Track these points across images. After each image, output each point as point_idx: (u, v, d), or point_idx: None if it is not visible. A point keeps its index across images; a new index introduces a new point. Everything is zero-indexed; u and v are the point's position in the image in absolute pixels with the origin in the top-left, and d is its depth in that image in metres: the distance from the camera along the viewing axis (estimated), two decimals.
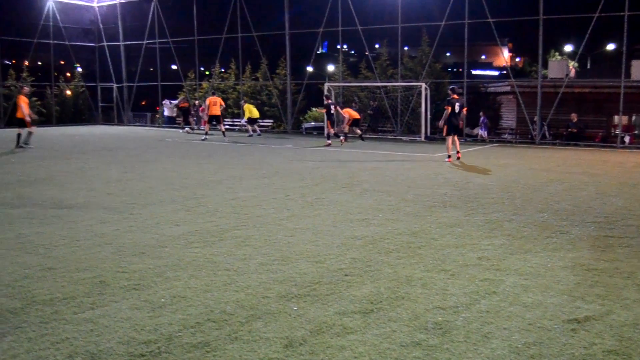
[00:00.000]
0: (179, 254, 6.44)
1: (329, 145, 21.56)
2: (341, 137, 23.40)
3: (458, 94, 17.31)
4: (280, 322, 4.51)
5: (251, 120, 27.61)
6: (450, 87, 17.90)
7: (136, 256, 6.35)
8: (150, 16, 34.36)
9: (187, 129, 30.18)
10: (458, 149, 17.03)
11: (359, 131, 24.17)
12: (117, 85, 37.34)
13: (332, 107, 22.66)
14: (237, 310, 4.77)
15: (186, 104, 30.49)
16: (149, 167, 14.58)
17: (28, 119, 19.26)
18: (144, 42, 35.08)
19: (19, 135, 19.60)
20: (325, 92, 25.43)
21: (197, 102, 32.69)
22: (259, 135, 27.41)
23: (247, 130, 28.10)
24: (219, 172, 13.77)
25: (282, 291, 5.22)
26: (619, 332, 4.39)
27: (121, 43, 36.60)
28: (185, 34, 33.94)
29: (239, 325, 4.45)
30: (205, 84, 34.84)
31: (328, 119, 22.62)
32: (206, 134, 25.16)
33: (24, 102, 19.20)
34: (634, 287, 5.44)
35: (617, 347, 4.13)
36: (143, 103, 44.50)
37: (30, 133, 19.68)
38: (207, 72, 39.00)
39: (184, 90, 35.05)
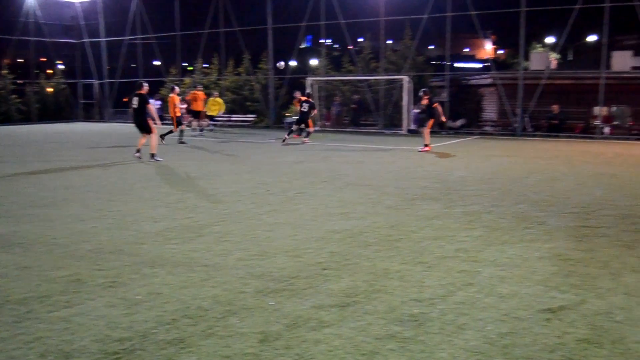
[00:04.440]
0: (157, 251, 6.41)
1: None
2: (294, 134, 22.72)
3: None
4: (256, 317, 4.51)
5: (210, 116, 26.91)
6: (424, 89, 18.59)
7: (113, 254, 6.31)
8: (131, 12, 34.17)
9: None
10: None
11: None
12: (99, 81, 37.13)
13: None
14: (213, 306, 4.76)
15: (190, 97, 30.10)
16: (129, 164, 14.49)
17: (178, 115, 20.52)
18: (126, 38, 34.90)
19: (181, 131, 20.87)
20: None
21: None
22: (201, 131, 26.22)
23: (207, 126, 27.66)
24: (199, 168, 13.73)
25: (260, 286, 5.22)
26: (592, 321, 4.43)
27: (102, 39, 36.42)
28: (167, 29, 33.79)
29: (214, 321, 4.44)
30: (187, 80, 34.69)
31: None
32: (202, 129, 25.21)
33: (175, 101, 20.33)
34: (609, 276, 5.50)
35: (589, 335, 4.16)
36: (125, 100, 44.23)
37: (181, 130, 20.92)
38: (189, 68, 38.85)
39: (165, 86, 34.88)
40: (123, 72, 36.39)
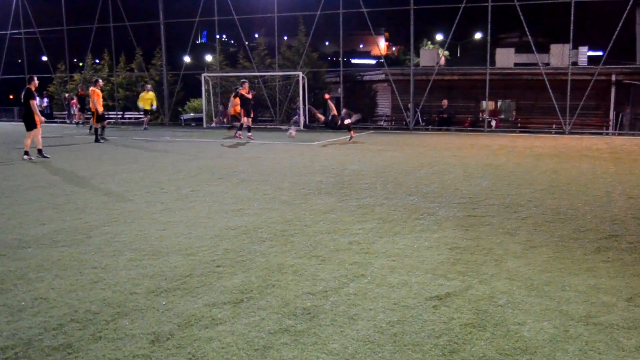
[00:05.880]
0: (43, 254, 6.15)
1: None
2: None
3: None
4: (147, 318, 4.42)
5: (145, 110, 26.49)
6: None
7: None
8: (14, 4, 32.50)
9: (76, 122, 28.81)
10: None
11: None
12: None
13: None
14: (103, 308, 4.63)
15: (83, 92, 29.01)
16: (14, 164, 13.81)
17: (100, 111, 19.83)
18: (8, 32, 33.14)
19: (96, 129, 20.06)
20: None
21: (67, 94, 31.30)
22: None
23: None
24: (90, 167, 13.27)
25: (152, 286, 5.11)
26: (476, 306, 4.64)
27: None
28: (53, 23, 32.38)
29: (104, 324, 4.31)
30: (76, 76, 33.43)
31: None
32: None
33: (96, 96, 19.57)
34: (492, 262, 5.77)
35: (473, 320, 4.35)
36: (11, 97, 42.13)
37: (102, 127, 20.26)
38: (81, 64, 37.43)
39: (53, 83, 33.50)
40: (7, 68, 34.56)
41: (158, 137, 21.62)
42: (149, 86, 26.75)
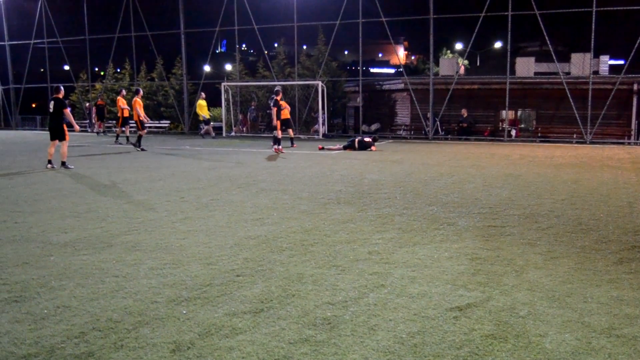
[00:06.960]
0: (65, 263, 6.20)
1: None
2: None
3: None
4: (168, 327, 4.44)
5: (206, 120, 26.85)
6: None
7: (19, 267, 6.06)
8: (37, 14, 32.95)
9: (97, 131, 29.26)
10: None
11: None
12: (3, 87, 35.58)
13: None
14: (124, 317, 4.66)
15: (102, 102, 29.38)
16: (37, 173, 13.98)
17: (145, 120, 20.60)
18: (32, 41, 33.59)
19: (139, 136, 20.53)
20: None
21: (88, 104, 31.61)
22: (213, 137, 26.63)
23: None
24: (111, 175, 13.39)
25: (172, 295, 5.14)
26: (497, 317, 4.60)
27: (6, 43, 34.93)
28: (75, 33, 32.79)
29: (125, 333, 4.34)
30: (98, 85, 33.77)
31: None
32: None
33: (138, 105, 20.19)
34: (513, 273, 5.73)
35: (494, 331, 4.32)
36: (33, 105, 42.62)
37: (140, 136, 20.73)
38: (102, 73, 37.84)
39: (75, 92, 33.86)
40: (30, 77, 35.01)
41: (178, 146, 21.74)
42: (203, 94, 26.89)
